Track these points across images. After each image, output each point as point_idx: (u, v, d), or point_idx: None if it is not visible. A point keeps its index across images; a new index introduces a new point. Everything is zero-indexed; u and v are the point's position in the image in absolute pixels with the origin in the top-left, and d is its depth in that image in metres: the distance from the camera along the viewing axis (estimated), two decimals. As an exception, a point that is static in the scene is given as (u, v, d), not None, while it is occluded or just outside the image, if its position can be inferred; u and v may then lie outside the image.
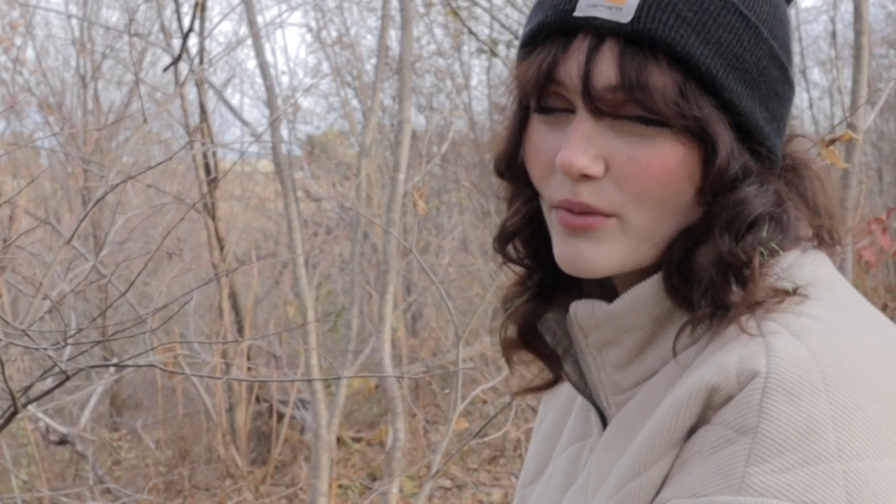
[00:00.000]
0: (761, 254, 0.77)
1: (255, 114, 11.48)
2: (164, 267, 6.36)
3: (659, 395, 0.80)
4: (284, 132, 6.74)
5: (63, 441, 5.00)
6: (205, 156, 5.39)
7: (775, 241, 0.79)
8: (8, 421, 1.79)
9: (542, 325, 0.91)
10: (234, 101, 13.09)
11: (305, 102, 8.28)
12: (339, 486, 5.34)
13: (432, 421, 6.21)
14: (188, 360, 3.37)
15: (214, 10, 15.34)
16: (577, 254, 0.80)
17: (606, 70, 0.76)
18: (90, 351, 1.99)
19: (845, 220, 2.76)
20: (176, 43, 5.44)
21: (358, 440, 6.45)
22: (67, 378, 1.70)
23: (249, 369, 5.76)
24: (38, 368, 4.75)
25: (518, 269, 0.92)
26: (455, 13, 6.16)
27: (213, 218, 5.48)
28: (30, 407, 3.48)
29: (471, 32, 6.49)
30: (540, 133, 0.82)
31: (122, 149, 6.30)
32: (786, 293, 0.76)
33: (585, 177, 0.78)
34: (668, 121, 0.76)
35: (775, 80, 0.80)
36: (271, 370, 6.12)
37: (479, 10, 6.58)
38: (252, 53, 8.98)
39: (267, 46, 8.46)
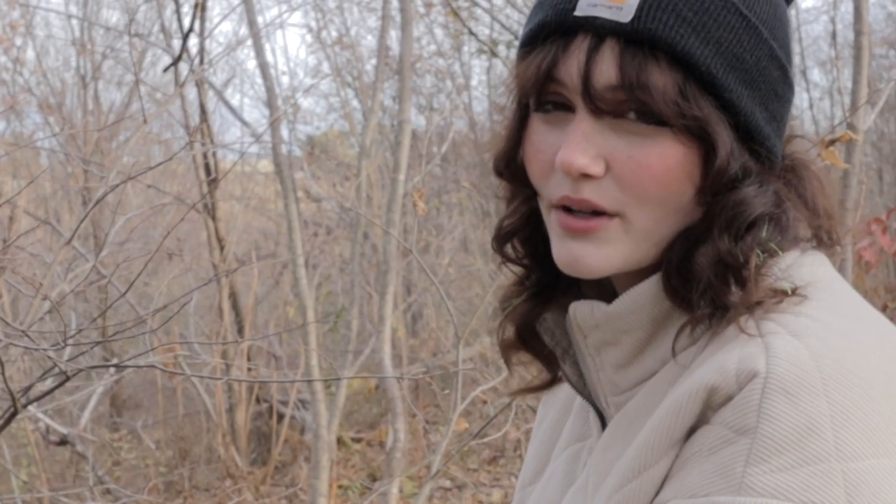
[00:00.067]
0: (759, 254, 0.77)
1: (256, 114, 11.50)
2: (164, 267, 6.36)
3: (658, 396, 0.80)
4: (284, 132, 6.75)
5: (63, 441, 5.00)
6: (205, 156, 5.39)
7: (774, 242, 0.79)
8: (8, 421, 1.79)
9: (540, 326, 0.91)
10: (235, 102, 13.10)
11: (305, 103, 8.27)
12: (339, 487, 5.33)
13: (432, 421, 6.21)
14: (188, 360, 3.37)
15: (214, 10, 15.34)
16: (576, 255, 0.80)
17: (606, 69, 0.76)
18: (90, 351, 1.99)
19: (845, 220, 2.76)
20: (176, 43, 5.44)
21: (358, 440, 6.45)
22: (67, 378, 1.70)
23: (249, 370, 5.76)
24: (38, 369, 4.75)
25: (516, 268, 0.92)
26: (455, 13, 6.17)
27: (214, 218, 5.48)
28: (30, 407, 3.48)
29: (471, 33, 6.49)
30: (539, 132, 0.81)
31: (122, 149, 6.31)
32: (785, 294, 0.76)
33: (585, 176, 0.78)
34: (668, 120, 0.76)
35: (775, 80, 0.80)
36: (271, 371, 6.12)
37: (479, 11, 6.59)
38: (252, 54, 8.97)
39: (267, 47, 8.46)
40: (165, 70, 4.86)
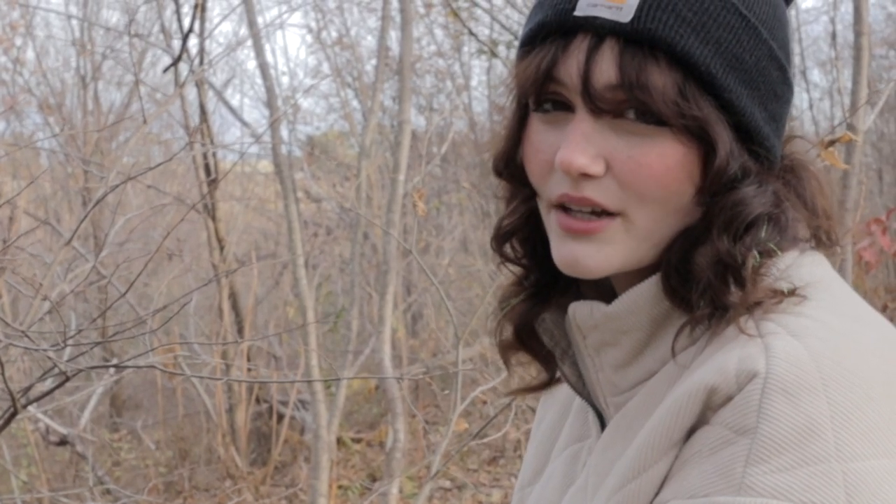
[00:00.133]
0: (757, 254, 0.77)
1: (256, 114, 11.50)
2: (164, 267, 6.36)
3: (658, 396, 0.80)
4: (284, 133, 6.74)
5: (63, 442, 5.00)
6: (205, 156, 5.38)
7: (773, 242, 0.79)
8: (8, 422, 1.79)
9: (539, 326, 0.91)
10: (235, 102, 13.09)
11: (305, 103, 8.26)
12: (339, 487, 5.33)
13: (432, 422, 6.20)
14: (188, 360, 3.37)
15: (214, 10, 15.34)
16: (576, 256, 0.80)
17: (606, 69, 0.76)
18: (90, 352, 1.99)
19: (845, 220, 2.76)
20: (176, 44, 5.43)
21: (358, 441, 6.45)
22: (67, 379, 1.70)
23: (249, 370, 5.76)
24: (37, 369, 4.75)
25: (515, 268, 0.92)
26: (455, 14, 6.17)
27: (213, 219, 5.48)
28: (30, 408, 3.48)
29: (471, 33, 6.49)
30: (539, 132, 0.81)
31: (122, 149, 6.31)
32: (784, 294, 0.76)
33: (585, 176, 0.78)
34: (667, 120, 0.76)
35: (774, 80, 0.80)
36: (271, 371, 6.12)
37: (479, 11, 6.59)
38: (252, 54, 8.97)
39: (267, 47, 8.47)
40: (165, 70, 4.86)
